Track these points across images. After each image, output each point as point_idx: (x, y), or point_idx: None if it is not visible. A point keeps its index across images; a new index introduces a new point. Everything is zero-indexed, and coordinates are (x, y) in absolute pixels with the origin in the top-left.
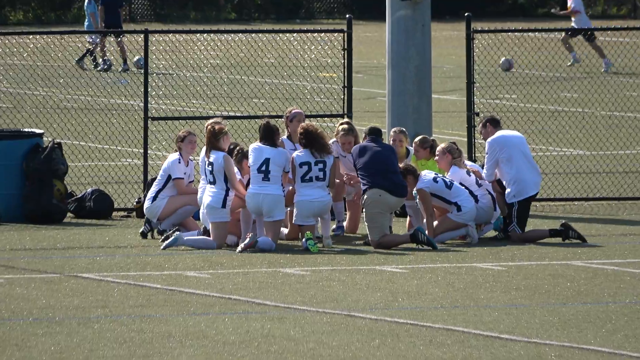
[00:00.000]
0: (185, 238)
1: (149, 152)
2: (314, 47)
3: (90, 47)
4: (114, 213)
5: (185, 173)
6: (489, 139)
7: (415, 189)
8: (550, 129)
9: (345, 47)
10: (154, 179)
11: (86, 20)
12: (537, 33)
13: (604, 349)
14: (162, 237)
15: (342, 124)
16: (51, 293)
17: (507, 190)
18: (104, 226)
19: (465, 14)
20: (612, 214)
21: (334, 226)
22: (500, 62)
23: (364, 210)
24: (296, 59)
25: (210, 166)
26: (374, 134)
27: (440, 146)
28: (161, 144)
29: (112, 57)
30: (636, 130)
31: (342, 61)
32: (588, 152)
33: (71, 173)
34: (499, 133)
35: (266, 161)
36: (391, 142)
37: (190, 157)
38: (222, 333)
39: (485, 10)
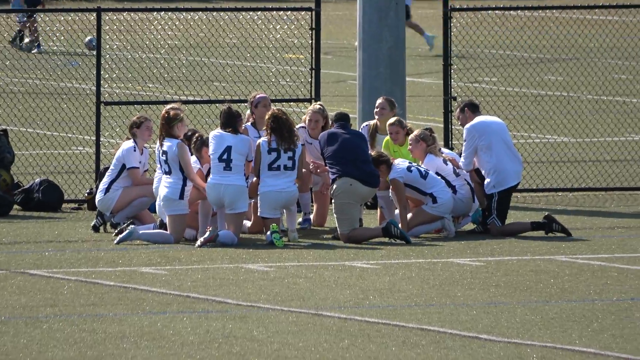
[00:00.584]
0: (140, 232)
1: (101, 139)
2: (279, 26)
3: (19, 27)
4: (64, 205)
5: (140, 162)
6: (468, 125)
7: (388, 178)
8: (533, 115)
9: (313, 26)
10: (106, 169)
11: None
12: (519, 11)
13: (590, 350)
14: (116, 231)
15: (315, 104)
16: None
17: (487, 181)
18: (53, 219)
19: None
20: (599, 205)
21: (300, 219)
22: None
23: (332, 201)
24: (260, 39)
25: (164, 155)
26: (342, 119)
27: (414, 133)
28: (115, 130)
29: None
30: (624, 115)
31: (310, 42)
32: (573, 139)
33: (18, 162)
34: (478, 119)
35: (228, 149)
36: (376, 116)
37: (146, 145)
38: (180, 333)
39: None
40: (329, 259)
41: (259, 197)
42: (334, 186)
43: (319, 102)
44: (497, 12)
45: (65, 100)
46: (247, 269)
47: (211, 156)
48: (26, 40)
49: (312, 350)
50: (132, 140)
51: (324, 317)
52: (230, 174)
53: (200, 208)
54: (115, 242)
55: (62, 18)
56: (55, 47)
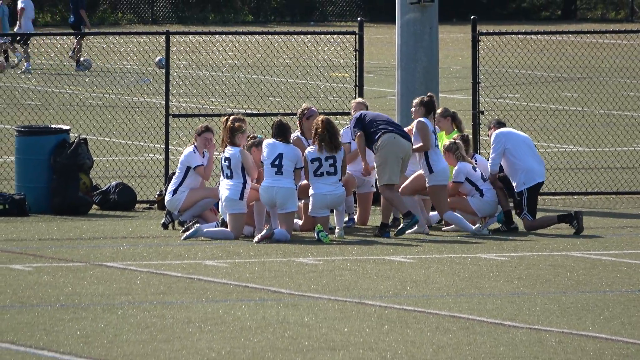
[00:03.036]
0: (204, 230)
1: (169, 147)
2: (327, 48)
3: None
4: (137, 205)
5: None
6: (496, 131)
7: (455, 167)
8: (552, 127)
9: (357, 48)
10: (174, 173)
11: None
12: (539, 36)
13: (602, 335)
14: (183, 229)
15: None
16: (77, 281)
17: (516, 181)
18: (127, 217)
19: (472, 17)
20: (610, 207)
21: (346, 218)
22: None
23: (377, 154)
24: (310, 59)
25: (227, 161)
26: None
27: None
28: (181, 139)
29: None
30: (633, 128)
31: (354, 62)
32: (587, 149)
33: (96, 167)
34: (505, 129)
35: (279, 156)
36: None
37: (205, 150)
38: (239, 319)
39: (490, 13)
40: (371, 253)
41: (310, 199)
42: (379, 142)
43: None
44: (520, 36)
45: (138, 112)
46: (299, 262)
47: (264, 162)
48: (82, 59)
49: (356, 334)
50: (192, 145)
51: (367, 305)
52: (281, 178)
53: (254, 208)
54: (182, 238)
55: (135, 40)
56: (129, 66)
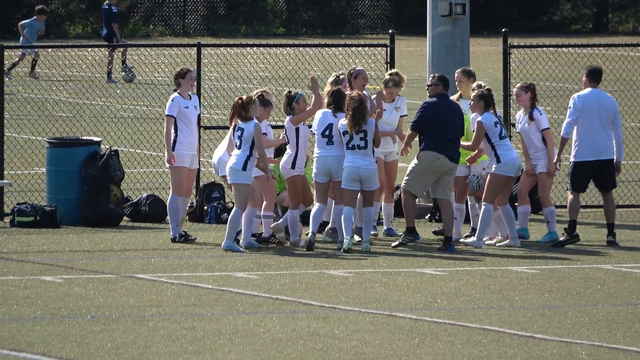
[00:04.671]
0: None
1: (201, 159)
2: (358, 60)
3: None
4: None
5: (187, 107)
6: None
7: (478, 119)
8: None
9: (388, 60)
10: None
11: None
12: (570, 48)
13: (633, 348)
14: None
15: (390, 74)
16: (108, 292)
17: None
18: (158, 229)
19: (503, 30)
20: None
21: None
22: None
23: (416, 162)
24: (341, 71)
25: (239, 131)
26: (443, 81)
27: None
28: (212, 152)
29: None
30: None
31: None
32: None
33: (127, 179)
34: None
35: (329, 126)
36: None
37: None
38: (270, 331)
39: (521, 26)
40: (402, 266)
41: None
42: (421, 153)
43: (395, 72)
44: (550, 49)
45: None
46: (329, 274)
47: (315, 132)
48: (128, 68)
49: (386, 347)
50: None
51: (397, 317)
52: (332, 147)
53: (289, 216)
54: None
55: (167, 52)
56: (160, 78)
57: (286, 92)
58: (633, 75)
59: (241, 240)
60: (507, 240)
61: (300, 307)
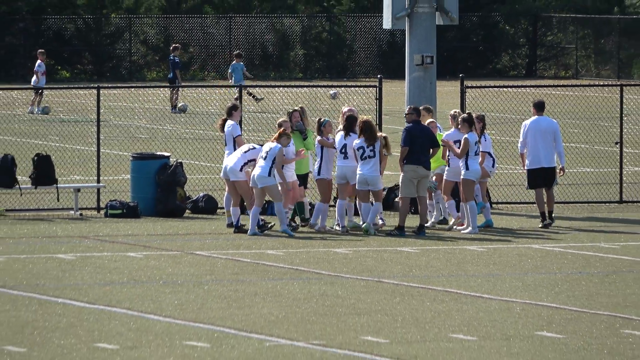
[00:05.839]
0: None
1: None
2: (356, 97)
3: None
4: (218, 210)
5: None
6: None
7: (465, 136)
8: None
9: (377, 97)
10: None
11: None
12: (509, 88)
13: (553, 305)
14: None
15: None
16: (175, 264)
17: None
18: (211, 219)
19: (460, 75)
20: (561, 213)
21: (380, 222)
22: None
23: (403, 174)
24: (343, 105)
25: (268, 147)
26: (417, 112)
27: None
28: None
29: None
30: (571, 152)
31: (375, 107)
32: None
33: (189, 183)
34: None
35: (344, 146)
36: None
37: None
38: (291, 292)
39: (474, 72)
40: (387, 245)
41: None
42: (405, 167)
43: (348, 109)
44: (495, 88)
45: (219, 143)
46: (335, 252)
47: (336, 148)
48: (179, 104)
49: (375, 304)
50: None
51: (383, 283)
52: (347, 161)
53: (321, 207)
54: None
55: (217, 91)
56: (212, 110)
57: (317, 119)
58: (555, 107)
59: (249, 231)
60: (470, 228)
61: (313, 275)
